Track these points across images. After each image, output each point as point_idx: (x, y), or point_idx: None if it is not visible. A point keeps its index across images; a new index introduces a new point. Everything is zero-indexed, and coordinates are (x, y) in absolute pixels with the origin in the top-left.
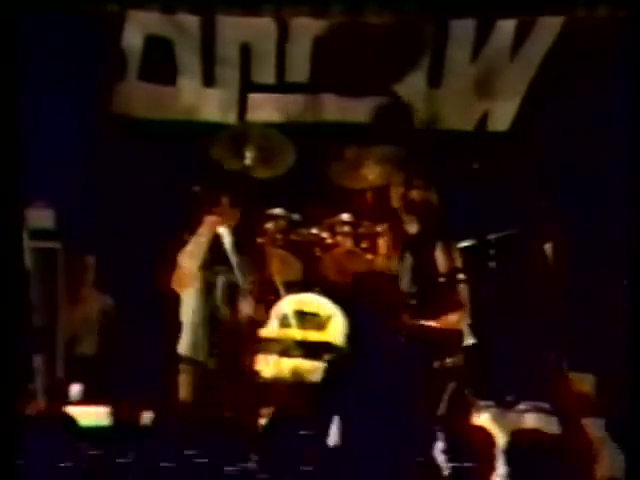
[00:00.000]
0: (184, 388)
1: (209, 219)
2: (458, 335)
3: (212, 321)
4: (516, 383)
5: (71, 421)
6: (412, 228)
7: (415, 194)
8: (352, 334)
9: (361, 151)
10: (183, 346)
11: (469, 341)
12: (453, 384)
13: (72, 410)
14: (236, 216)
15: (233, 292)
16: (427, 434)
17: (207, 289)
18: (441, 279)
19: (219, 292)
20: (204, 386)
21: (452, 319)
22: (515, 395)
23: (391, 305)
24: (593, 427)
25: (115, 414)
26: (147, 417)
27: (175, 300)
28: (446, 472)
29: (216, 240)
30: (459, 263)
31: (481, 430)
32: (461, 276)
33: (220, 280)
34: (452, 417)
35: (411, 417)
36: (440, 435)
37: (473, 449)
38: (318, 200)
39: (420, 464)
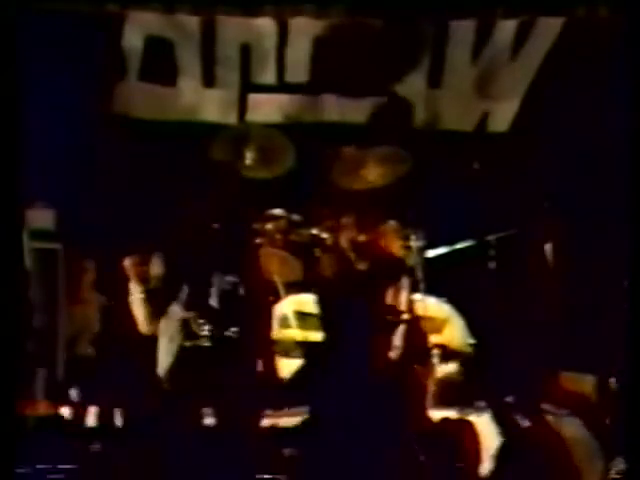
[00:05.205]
0: None
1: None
2: None
3: None
4: (515, 383)
5: (71, 421)
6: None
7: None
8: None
9: (361, 151)
10: None
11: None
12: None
13: (72, 410)
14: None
15: None
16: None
17: None
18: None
19: None
20: None
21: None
22: (515, 395)
23: None
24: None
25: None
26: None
27: None
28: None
29: None
30: (399, 305)
31: (475, 430)
32: (404, 317)
33: None
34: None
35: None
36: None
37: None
38: (318, 201)
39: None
